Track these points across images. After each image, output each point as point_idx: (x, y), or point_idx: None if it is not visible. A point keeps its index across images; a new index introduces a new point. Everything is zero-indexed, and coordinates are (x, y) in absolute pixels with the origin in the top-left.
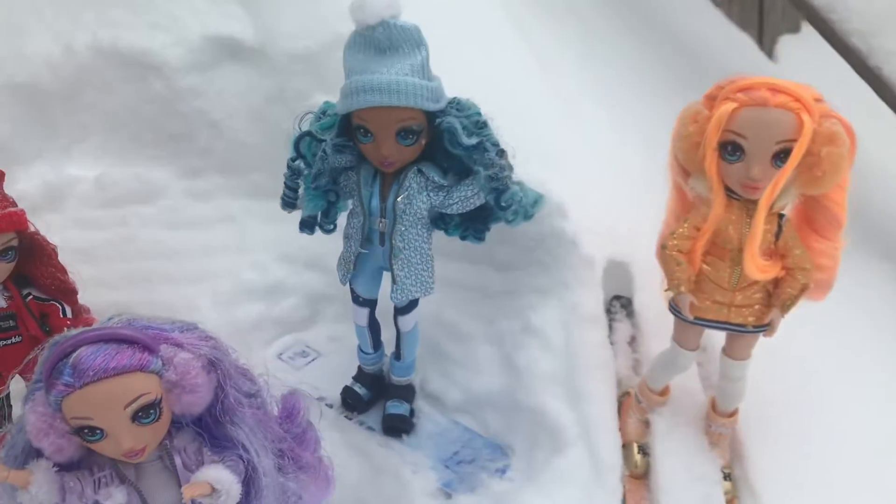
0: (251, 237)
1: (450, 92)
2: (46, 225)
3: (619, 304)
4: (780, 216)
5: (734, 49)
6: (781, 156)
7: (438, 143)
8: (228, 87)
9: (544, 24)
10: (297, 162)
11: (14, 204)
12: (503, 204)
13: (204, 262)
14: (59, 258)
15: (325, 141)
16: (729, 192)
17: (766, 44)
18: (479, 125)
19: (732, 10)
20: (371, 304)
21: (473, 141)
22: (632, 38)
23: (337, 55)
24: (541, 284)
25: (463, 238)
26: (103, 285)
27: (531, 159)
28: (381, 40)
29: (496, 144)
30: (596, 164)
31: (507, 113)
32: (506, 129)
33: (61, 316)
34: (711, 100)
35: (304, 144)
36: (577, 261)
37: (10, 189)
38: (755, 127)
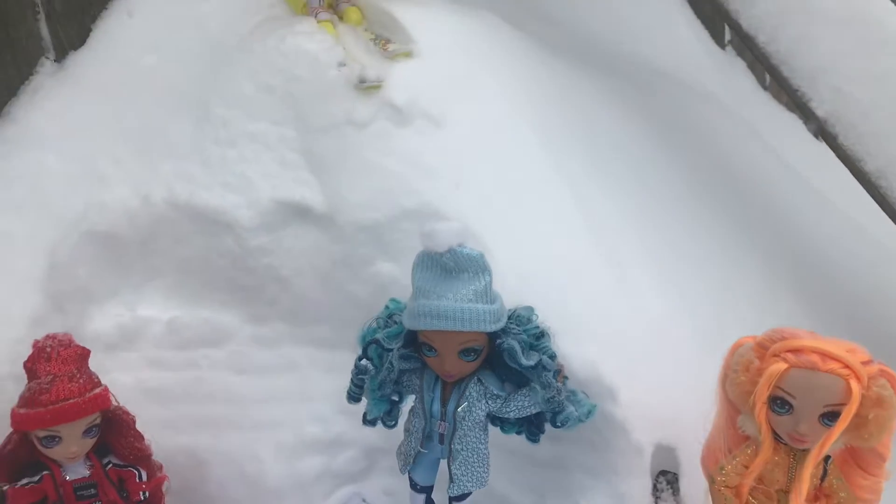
0: (313, 386)
1: (504, 261)
2: (121, 363)
3: (666, 481)
4: (826, 458)
5: (783, 131)
6: (829, 416)
7: (498, 356)
8: (296, 247)
9: (591, 175)
10: (363, 362)
11: (98, 383)
12: (558, 423)
13: (268, 408)
14: (131, 398)
15: (391, 350)
16: (777, 436)
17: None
18: (537, 336)
19: (782, 94)
20: (428, 490)
21: (532, 361)
22: (683, 181)
23: (401, 226)
24: (590, 464)
25: (518, 434)
26: (172, 427)
27: (584, 339)
28: (448, 264)
29: (553, 357)
30: (645, 338)
31: (560, 285)
32: (559, 306)
33: (137, 481)
34: (763, 349)
35: (371, 350)
36: (626, 446)
37: (87, 328)
38: (804, 389)
